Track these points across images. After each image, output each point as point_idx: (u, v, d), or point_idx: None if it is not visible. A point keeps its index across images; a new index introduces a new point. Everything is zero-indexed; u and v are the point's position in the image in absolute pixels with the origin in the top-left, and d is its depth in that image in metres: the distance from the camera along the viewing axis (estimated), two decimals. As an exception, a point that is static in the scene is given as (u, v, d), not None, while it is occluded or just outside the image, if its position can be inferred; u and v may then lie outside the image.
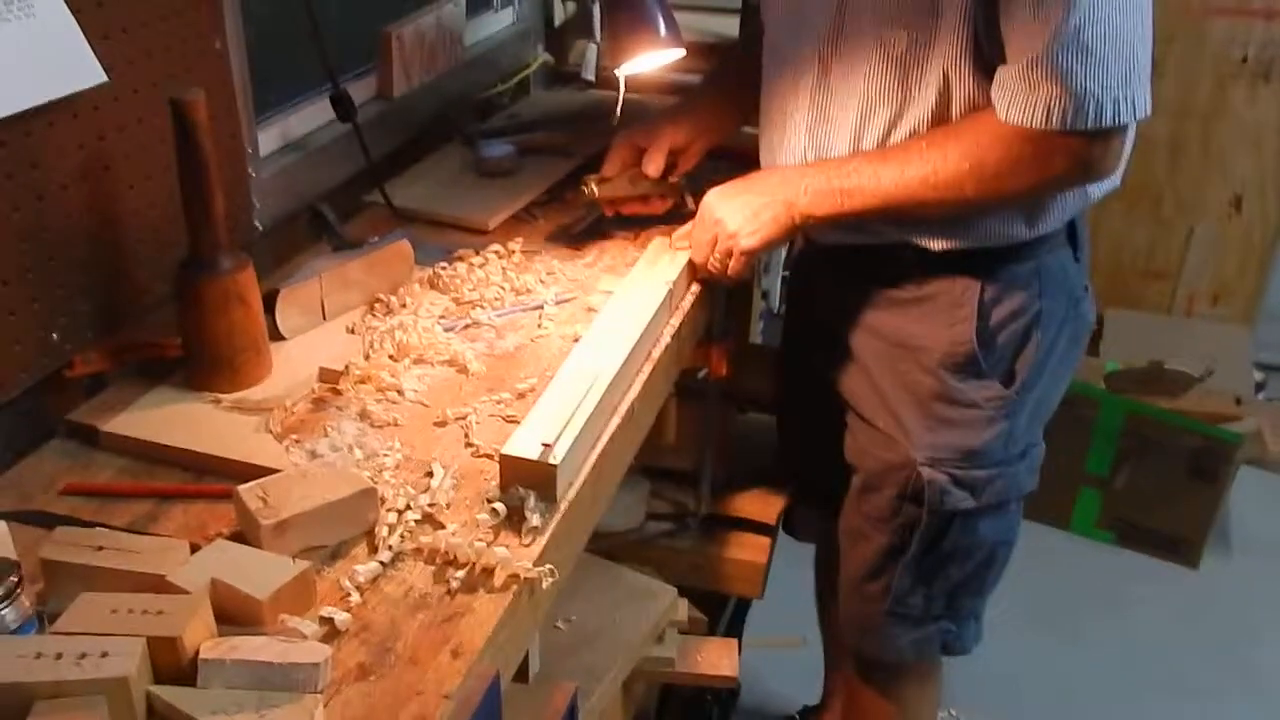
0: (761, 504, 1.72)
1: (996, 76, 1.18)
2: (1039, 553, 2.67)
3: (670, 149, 1.48)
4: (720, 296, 1.51)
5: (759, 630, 2.15)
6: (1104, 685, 2.35)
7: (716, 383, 1.53)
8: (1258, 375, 3.03)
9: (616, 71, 1.29)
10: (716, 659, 1.59)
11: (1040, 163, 1.19)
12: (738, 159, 1.69)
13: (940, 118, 1.25)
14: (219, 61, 1.25)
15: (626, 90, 1.50)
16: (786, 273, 2.52)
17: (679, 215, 1.49)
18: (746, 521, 1.70)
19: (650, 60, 1.26)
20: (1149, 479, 2.67)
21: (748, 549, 1.69)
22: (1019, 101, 1.15)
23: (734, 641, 1.63)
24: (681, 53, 1.27)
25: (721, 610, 1.89)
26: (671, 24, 1.23)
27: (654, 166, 1.48)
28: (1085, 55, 1.11)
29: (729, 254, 1.35)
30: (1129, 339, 3.08)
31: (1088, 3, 1.09)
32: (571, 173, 1.65)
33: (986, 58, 1.19)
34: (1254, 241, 3.21)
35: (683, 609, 1.57)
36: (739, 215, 1.32)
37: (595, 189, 1.43)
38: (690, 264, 1.38)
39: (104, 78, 1.04)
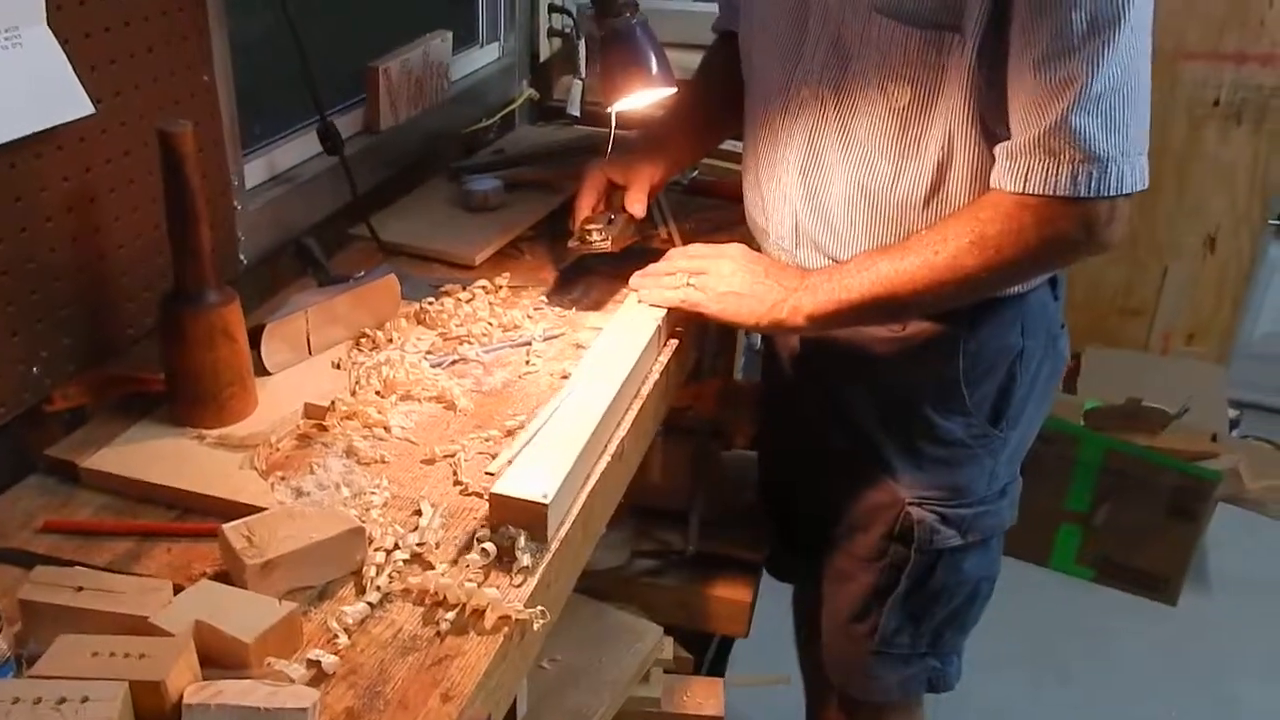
0: (748, 542, 1.71)
1: (1004, 149, 1.14)
2: (1019, 589, 2.67)
3: (650, 186, 1.47)
4: (711, 334, 1.51)
5: (744, 667, 2.13)
6: (1085, 717, 2.34)
7: (704, 420, 1.52)
8: (1232, 412, 3.06)
9: (609, 109, 1.29)
10: (702, 698, 1.57)
11: (1057, 236, 1.14)
12: (724, 196, 1.71)
13: (939, 179, 1.23)
14: (207, 94, 1.24)
15: (617, 126, 1.50)
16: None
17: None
18: (732, 560, 1.69)
19: (642, 98, 1.26)
20: (1128, 516, 2.68)
21: (734, 587, 1.68)
22: (1039, 170, 1.11)
23: (719, 681, 1.62)
24: (673, 90, 1.27)
25: (706, 649, 1.88)
26: (663, 62, 1.23)
27: (641, 208, 1.46)
28: (1108, 121, 1.08)
29: (686, 300, 1.32)
30: (1106, 376, 3.10)
31: (1109, 67, 1.07)
32: (557, 210, 1.64)
33: (990, 125, 1.18)
34: (1228, 280, 3.25)
35: (669, 648, 1.56)
36: (726, 276, 1.29)
37: (600, 239, 1.39)
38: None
39: (91, 109, 1.03)
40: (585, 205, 1.47)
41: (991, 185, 1.17)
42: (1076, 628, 2.62)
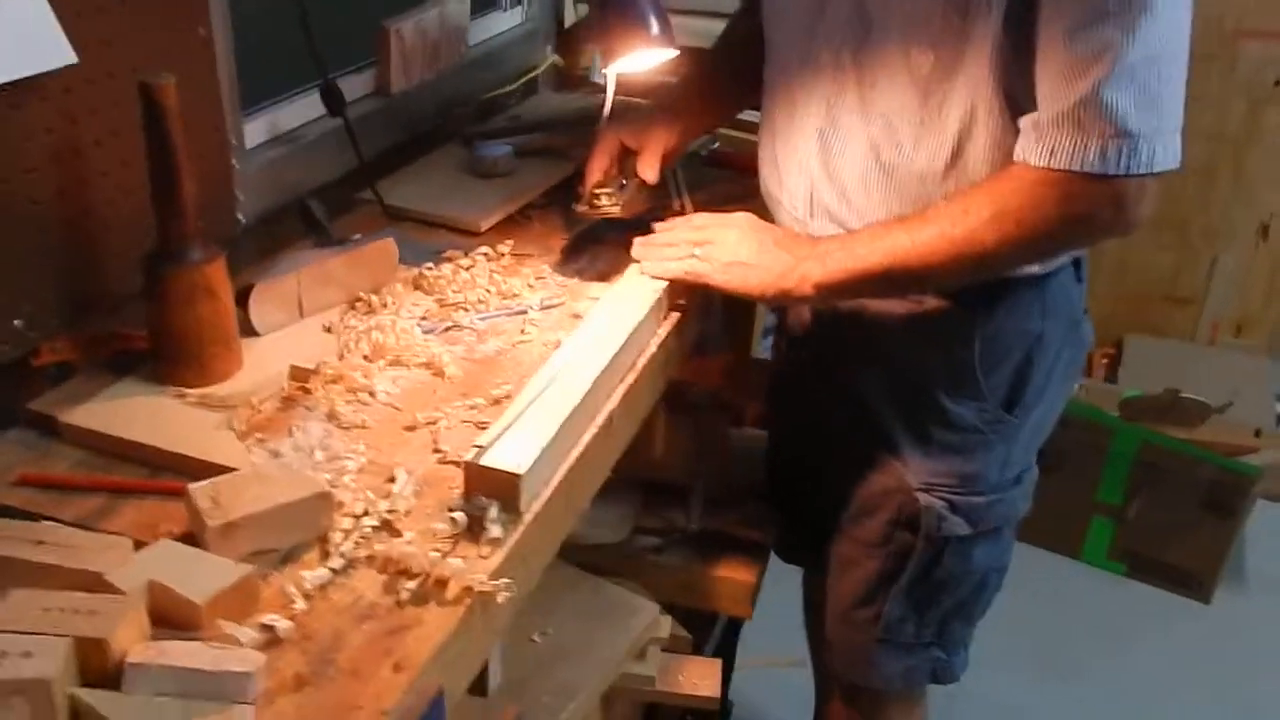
0: (754, 522, 1.68)
1: (1029, 121, 1.10)
2: (1048, 582, 2.62)
3: (664, 152, 1.44)
4: (716, 309, 1.47)
5: (756, 649, 2.11)
6: (1110, 718, 2.28)
7: (709, 396, 1.49)
8: (1279, 408, 2.96)
9: (605, 70, 1.26)
10: (698, 679, 1.54)
11: (1084, 213, 1.10)
12: (739, 169, 1.67)
13: (959, 150, 1.19)
14: (203, 49, 1.22)
15: (628, 94, 1.46)
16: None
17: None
18: (738, 539, 1.66)
19: (642, 59, 1.22)
20: (1162, 510, 2.60)
21: (738, 567, 1.65)
22: (1067, 144, 1.06)
23: (717, 661, 1.59)
24: (674, 53, 1.23)
25: (710, 629, 1.85)
26: (665, 24, 1.19)
27: (653, 173, 1.43)
28: (1141, 95, 1.04)
29: (691, 271, 1.27)
30: (1148, 367, 3.01)
31: (1146, 38, 1.02)
32: (569, 177, 1.61)
33: (1013, 97, 1.13)
34: (1280, 271, 3.15)
35: (665, 626, 1.53)
36: (732, 246, 1.25)
37: (610, 204, 1.35)
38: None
39: (74, 58, 1.02)
40: (597, 169, 1.44)
41: (1015, 159, 1.12)
42: (1104, 623, 2.55)
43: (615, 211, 1.34)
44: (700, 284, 1.29)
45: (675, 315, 1.31)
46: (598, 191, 1.37)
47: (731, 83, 1.51)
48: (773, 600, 1.75)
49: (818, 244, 1.23)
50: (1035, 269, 1.25)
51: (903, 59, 1.17)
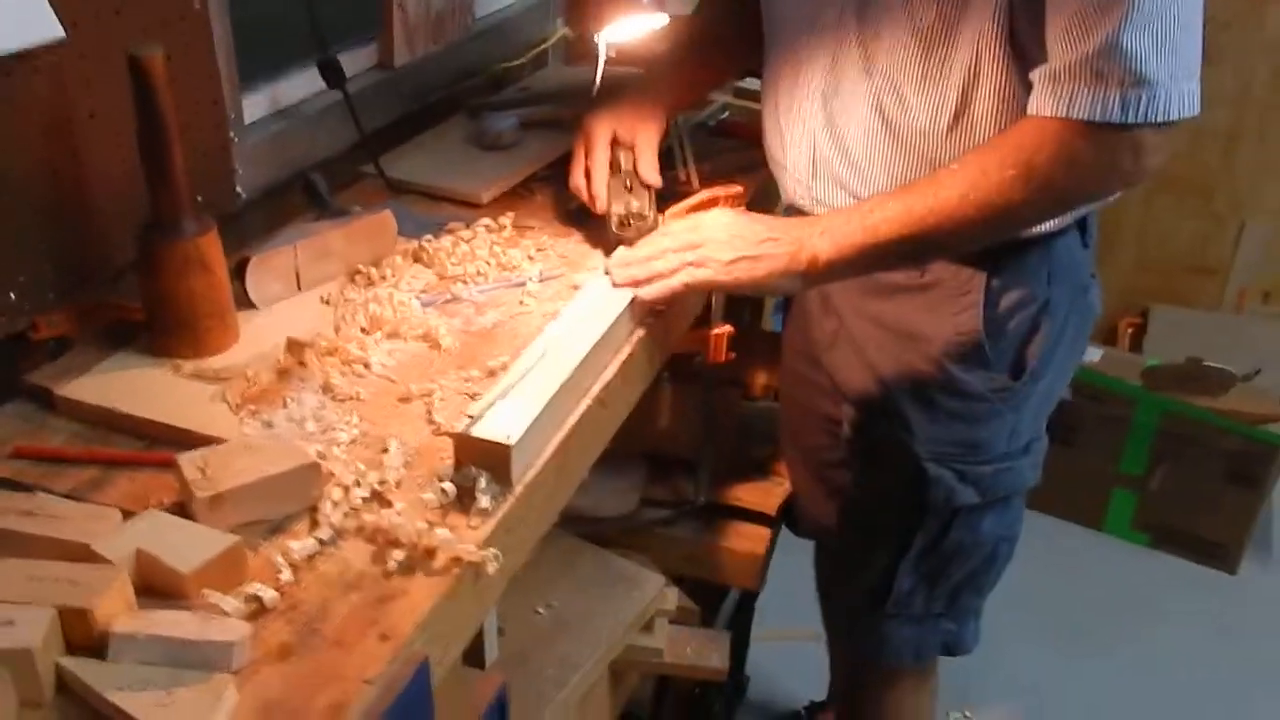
0: (762, 494, 1.67)
1: (1043, 72, 1.07)
2: (1071, 553, 2.60)
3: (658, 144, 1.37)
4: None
5: (772, 622, 2.10)
6: (1133, 692, 2.26)
7: (714, 368, 1.47)
8: (1309, 377, 2.90)
9: (596, 37, 1.24)
10: (706, 651, 1.54)
11: (1103, 162, 1.08)
12: (748, 138, 1.64)
13: (963, 105, 1.16)
14: (198, 21, 1.22)
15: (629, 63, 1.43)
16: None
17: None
18: (746, 511, 1.65)
19: (631, 26, 1.20)
20: (1186, 481, 2.57)
21: (746, 539, 1.64)
22: (1085, 93, 1.03)
23: (726, 634, 1.59)
24: (665, 20, 1.21)
25: (720, 601, 1.85)
26: (656, -11, 1.18)
27: (656, 176, 1.33)
28: (1159, 41, 1.01)
29: (706, 261, 1.17)
30: (1175, 336, 2.96)
31: None
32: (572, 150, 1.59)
33: (1020, 47, 1.11)
34: (1310, 237, 3.08)
35: (672, 598, 1.53)
36: (726, 243, 1.16)
37: (635, 235, 1.25)
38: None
39: (61, 34, 1.01)
40: (600, 175, 1.32)
41: (1030, 111, 1.09)
42: (1127, 593, 2.53)
43: (644, 233, 1.29)
44: (705, 289, 1.21)
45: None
46: (624, 232, 1.29)
47: (714, 50, 1.47)
48: (789, 573, 1.74)
49: (819, 220, 1.18)
50: (1044, 229, 1.23)
51: (905, 13, 1.15)
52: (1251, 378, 2.63)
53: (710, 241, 1.17)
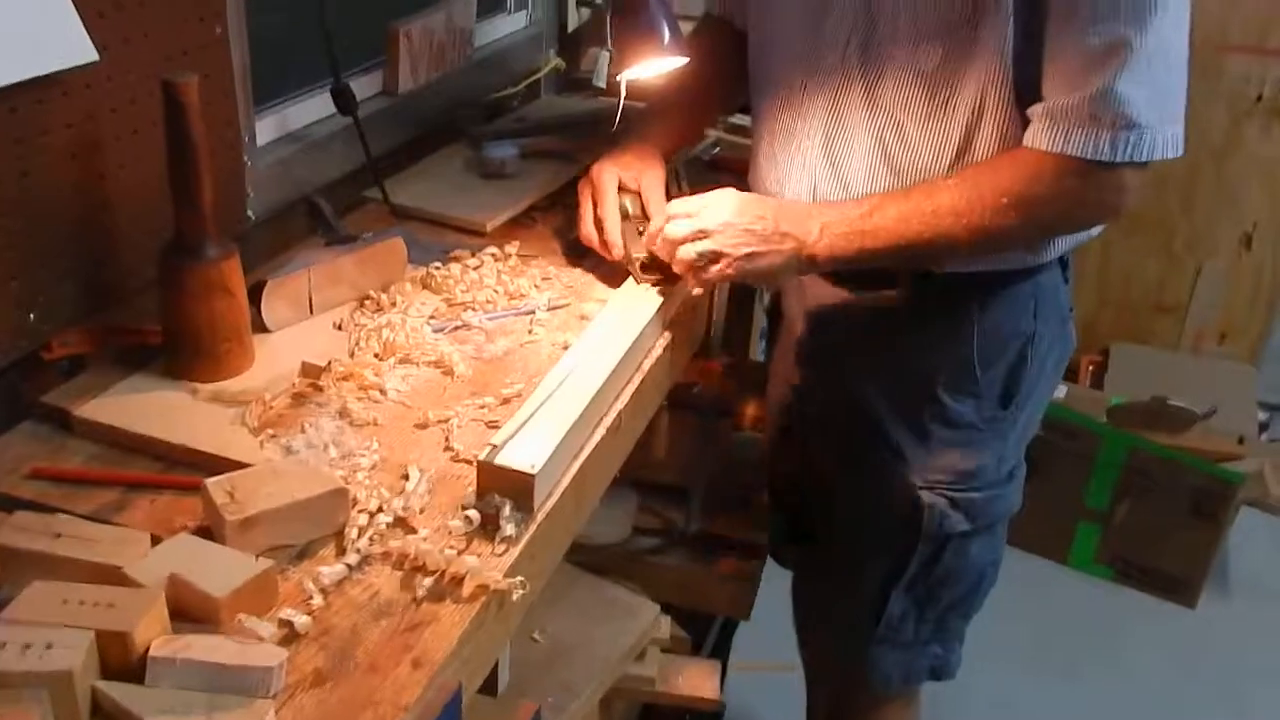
0: (751, 524, 1.69)
1: (1041, 109, 1.13)
2: (1036, 586, 2.65)
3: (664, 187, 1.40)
4: (720, 312, 1.49)
5: (747, 651, 2.12)
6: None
7: (711, 398, 1.50)
8: (1262, 415, 3.00)
9: (618, 78, 1.27)
10: (698, 680, 1.56)
11: (1089, 196, 1.16)
12: (740, 172, 1.67)
13: (966, 145, 1.21)
14: (219, 47, 1.23)
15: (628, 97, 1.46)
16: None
17: None
18: (736, 541, 1.67)
19: (653, 67, 1.24)
20: (1149, 516, 2.63)
21: (736, 569, 1.67)
22: (1080, 133, 1.10)
23: (717, 663, 1.61)
24: (685, 61, 1.24)
25: (707, 629, 1.86)
26: (676, 32, 1.21)
27: (664, 217, 1.31)
28: (1151, 88, 1.08)
29: (696, 267, 1.23)
30: (1134, 373, 3.05)
31: (1156, 31, 1.06)
32: (574, 179, 1.62)
33: (1023, 87, 1.16)
34: (1263, 281, 3.18)
35: (665, 627, 1.54)
36: (737, 239, 1.21)
37: (655, 278, 1.29)
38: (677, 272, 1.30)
39: (95, 56, 1.02)
40: (613, 224, 1.33)
41: (1026, 143, 1.16)
42: (1091, 626, 2.58)
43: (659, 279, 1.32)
44: (713, 278, 1.25)
45: (681, 320, 1.32)
46: (645, 278, 1.31)
47: (708, 90, 1.50)
48: (764, 604, 1.76)
49: (815, 216, 1.21)
50: (1032, 263, 1.28)
51: (910, 55, 1.19)
52: (1209, 416, 2.72)
53: (720, 239, 1.22)
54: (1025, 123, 1.17)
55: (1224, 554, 2.73)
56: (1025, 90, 1.16)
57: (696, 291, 1.29)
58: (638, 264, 1.30)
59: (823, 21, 1.25)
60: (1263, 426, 3.00)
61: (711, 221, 1.22)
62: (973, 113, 1.19)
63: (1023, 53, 1.15)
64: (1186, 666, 2.47)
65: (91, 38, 1.03)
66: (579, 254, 1.45)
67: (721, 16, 1.51)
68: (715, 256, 1.22)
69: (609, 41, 2.00)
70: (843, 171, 1.29)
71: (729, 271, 1.23)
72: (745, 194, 1.26)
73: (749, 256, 1.21)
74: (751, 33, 1.39)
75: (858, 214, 1.20)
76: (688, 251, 1.23)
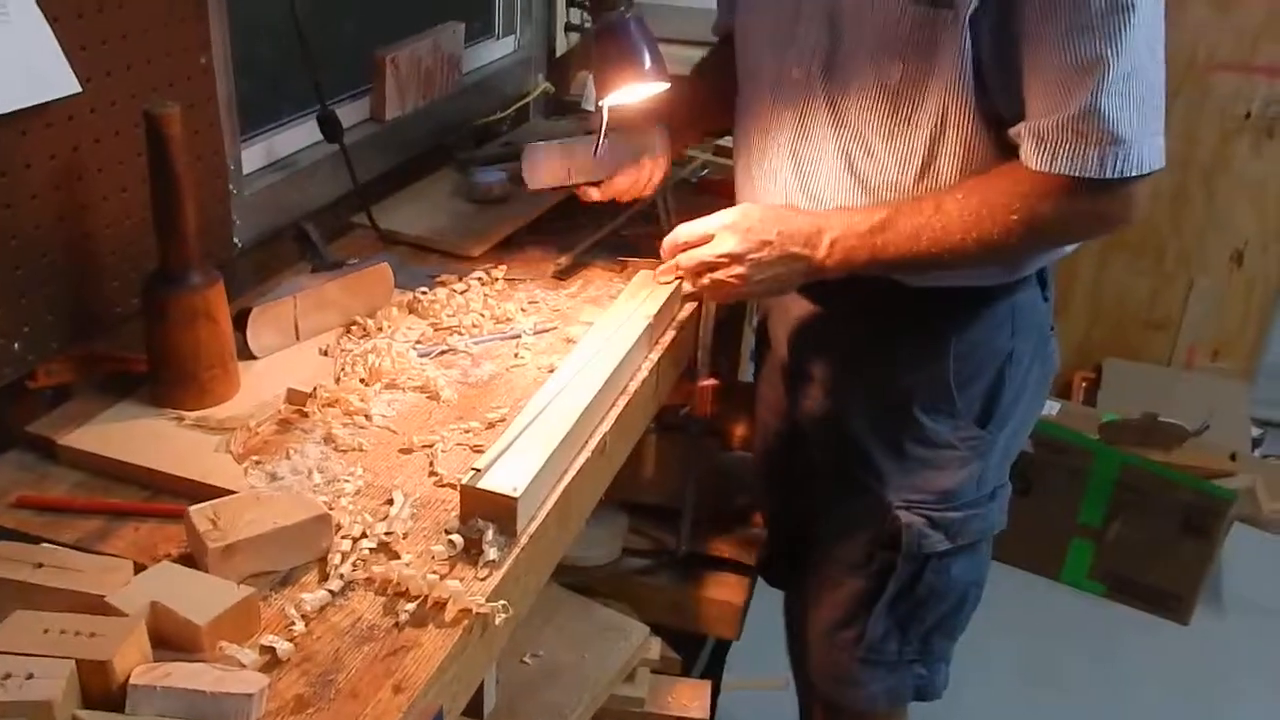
0: (742, 544, 1.70)
1: (1028, 128, 1.15)
2: (1029, 601, 2.65)
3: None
4: (707, 334, 1.49)
5: (741, 671, 2.11)
6: (1089, 740, 2.31)
7: (699, 420, 1.51)
8: (1255, 431, 3.00)
9: (600, 102, 1.28)
10: (688, 701, 1.56)
11: (1093, 211, 1.18)
12: (728, 195, 1.69)
13: (930, 157, 1.22)
14: (204, 77, 1.24)
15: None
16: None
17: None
18: (726, 561, 1.68)
19: (635, 92, 1.25)
20: (1141, 532, 2.63)
21: (726, 589, 1.67)
22: (1066, 151, 1.12)
23: (707, 683, 1.60)
24: (666, 85, 1.26)
25: (699, 650, 1.86)
26: (657, 57, 1.22)
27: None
28: (1131, 102, 1.10)
29: (722, 288, 1.26)
30: (1127, 390, 3.06)
31: (1132, 50, 1.08)
32: (560, 203, 1.63)
33: (987, 101, 1.17)
34: (1255, 296, 3.19)
35: (655, 648, 1.54)
36: (752, 262, 1.23)
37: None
38: (672, 297, 1.35)
39: (78, 88, 1.04)
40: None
41: (1021, 160, 1.17)
42: (1084, 643, 2.58)
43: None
44: (734, 296, 1.29)
45: (666, 342, 1.33)
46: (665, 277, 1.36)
47: (696, 108, 1.53)
48: (757, 622, 1.76)
49: (828, 228, 1.22)
50: (1007, 281, 1.30)
51: (872, 69, 1.21)
52: (1201, 432, 2.72)
53: (738, 263, 1.23)
54: (992, 138, 1.19)
55: (1217, 570, 2.73)
56: (995, 105, 1.18)
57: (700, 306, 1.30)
58: (667, 249, 1.31)
59: (790, 40, 1.27)
60: (1256, 442, 3.00)
61: (721, 249, 1.24)
62: (936, 126, 1.20)
63: (988, 70, 1.16)
64: (1180, 683, 2.46)
65: (74, 70, 1.04)
66: (564, 278, 1.46)
67: (727, 31, 1.50)
68: (724, 288, 1.25)
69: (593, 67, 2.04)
70: (810, 184, 1.31)
71: (741, 290, 1.25)
72: (750, 215, 1.25)
73: (759, 281, 1.24)
74: (737, 55, 1.41)
75: (867, 228, 1.21)
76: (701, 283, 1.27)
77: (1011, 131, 1.17)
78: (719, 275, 1.25)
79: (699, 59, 1.57)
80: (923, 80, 1.18)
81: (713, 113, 1.53)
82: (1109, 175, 1.12)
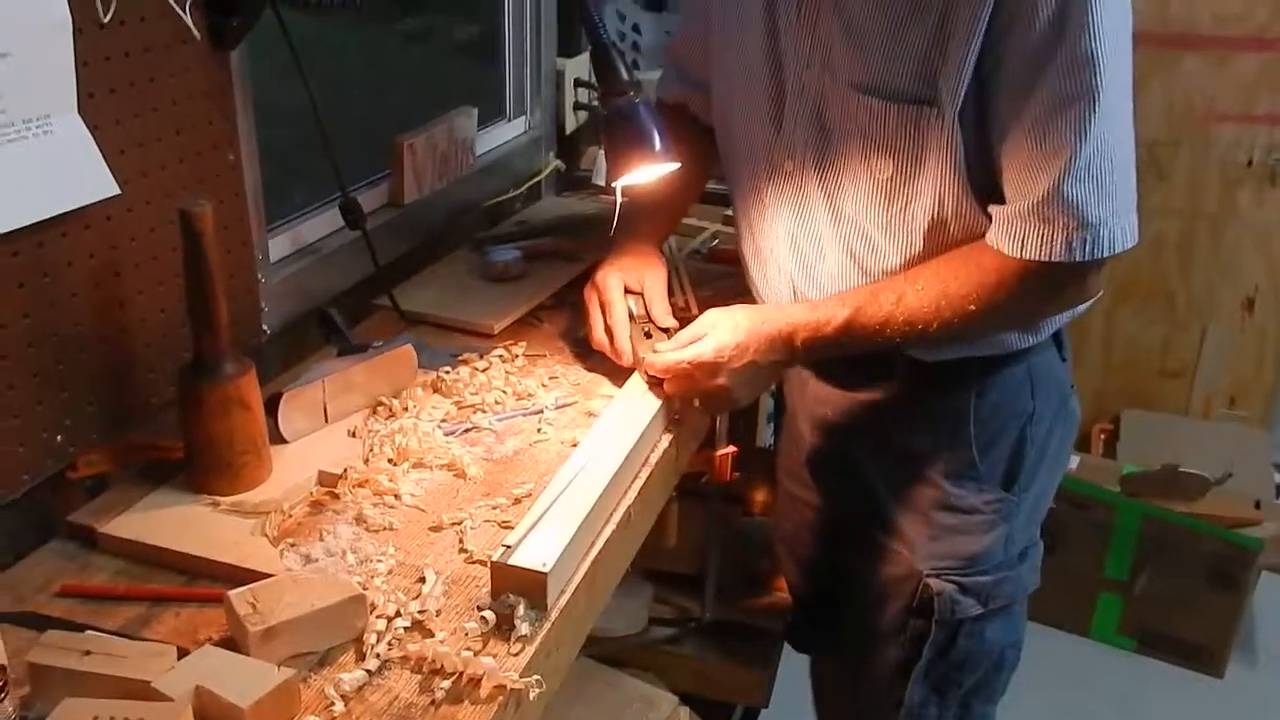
0: (767, 609, 1.70)
1: (999, 214, 1.18)
2: (1059, 659, 2.62)
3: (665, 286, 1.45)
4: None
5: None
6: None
7: (719, 488, 1.53)
8: (1278, 478, 2.99)
9: (613, 184, 1.32)
10: (719, 770, 1.55)
11: (1051, 293, 1.21)
12: (733, 263, 1.72)
13: (932, 242, 1.24)
14: (232, 173, 1.29)
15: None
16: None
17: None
18: (751, 628, 1.68)
19: (646, 173, 1.30)
20: (1168, 585, 2.62)
21: (752, 657, 1.67)
22: (1034, 237, 1.15)
23: (737, 752, 1.60)
24: (676, 166, 1.30)
25: (728, 718, 1.86)
26: (665, 139, 1.26)
27: (670, 318, 1.39)
28: (1097, 187, 1.12)
29: (713, 400, 1.29)
30: (1145, 441, 3.06)
31: (1096, 135, 1.10)
32: (576, 279, 1.67)
33: (980, 189, 1.20)
34: (1269, 342, 3.20)
35: (685, 718, 1.54)
36: (739, 377, 1.27)
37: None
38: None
39: (117, 190, 1.08)
40: (622, 331, 1.37)
41: (988, 243, 1.20)
42: (1117, 699, 2.55)
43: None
44: (726, 408, 1.33)
45: (685, 413, 1.36)
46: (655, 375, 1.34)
47: (684, 176, 1.49)
48: (785, 690, 1.76)
49: (798, 329, 1.25)
50: (1024, 345, 1.32)
51: (864, 166, 1.24)
52: (1224, 481, 2.72)
53: (726, 379, 1.26)
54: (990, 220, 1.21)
55: (1249, 622, 2.71)
56: (987, 191, 1.20)
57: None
58: (645, 364, 1.33)
59: (777, 128, 1.30)
60: (1279, 490, 2.99)
61: (700, 374, 1.27)
62: (933, 217, 1.22)
63: (975, 160, 1.19)
64: (1218, 738, 2.44)
65: (113, 173, 1.08)
66: (585, 352, 1.49)
67: (677, 102, 1.55)
68: (713, 400, 1.30)
69: (603, 150, 2.09)
70: (814, 274, 1.34)
71: (732, 395, 1.28)
72: (722, 333, 1.26)
73: (751, 392, 1.30)
74: (718, 128, 1.44)
75: (832, 329, 1.24)
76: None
77: (990, 212, 1.19)
78: (704, 387, 1.27)
79: None
80: (915, 174, 1.21)
81: (691, 192, 1.58)
82: (1077, 259, 1.14)
